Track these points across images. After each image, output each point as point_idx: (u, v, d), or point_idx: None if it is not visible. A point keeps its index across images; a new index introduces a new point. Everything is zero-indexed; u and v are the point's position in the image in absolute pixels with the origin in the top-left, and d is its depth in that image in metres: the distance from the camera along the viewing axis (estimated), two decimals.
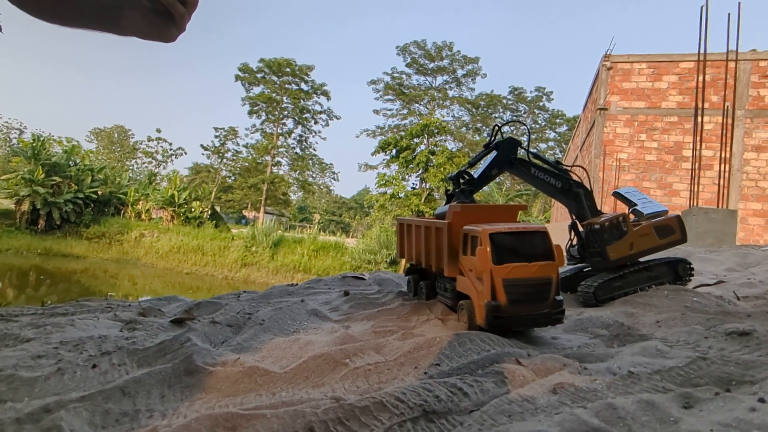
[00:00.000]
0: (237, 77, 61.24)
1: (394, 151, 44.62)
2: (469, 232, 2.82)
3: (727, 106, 13.87)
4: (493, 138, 4.05)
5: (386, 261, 30.74)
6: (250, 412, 1.89)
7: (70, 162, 37.15)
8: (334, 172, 76.97)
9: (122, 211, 39.82)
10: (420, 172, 43.26)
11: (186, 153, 75.61)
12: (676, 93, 17.00)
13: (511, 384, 1.95)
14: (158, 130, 73.28)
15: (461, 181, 3.88)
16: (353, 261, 31.64)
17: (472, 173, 3.92)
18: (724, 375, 2.02)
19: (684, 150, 16.55)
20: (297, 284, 4.84)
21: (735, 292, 3.99)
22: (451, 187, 3.94)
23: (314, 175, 73.48)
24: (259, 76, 61.28)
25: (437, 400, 1.84)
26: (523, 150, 4.05)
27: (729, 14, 11.98)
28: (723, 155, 12.97)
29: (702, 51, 12.47)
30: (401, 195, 42.73)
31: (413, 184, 45.39)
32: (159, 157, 73.41)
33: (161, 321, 3.33)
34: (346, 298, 3.80)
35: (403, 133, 48.18)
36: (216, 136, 66.47)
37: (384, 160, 49.17)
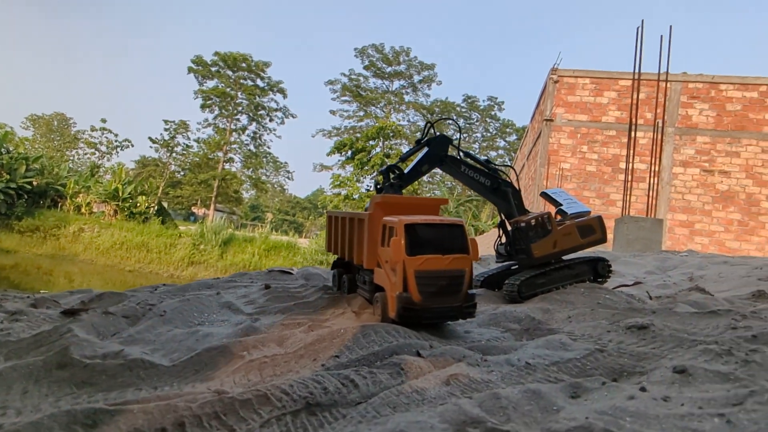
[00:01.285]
0: (190, 69, 58.79)
1: (349, 152, 44.48)
2: (388, 223, 2.75)
3: (659, 123, 14.84)
4: (425, 135, 4.03)
5: None
6: (116, 407, 1.69)
7: (2, 149, 34.13)
8: (288, 171, 75.64)
9: (60, 204, 37.01)
10: (375, 174, 43.36)
11: (133, 145, 71.19)
12: (615, 108, 18.00)
13: (406, 375, 1.87)
14: (103, 120, 68.64)
15: (391, 175, 3.83)
16: (306, 261, 31.14)
17: (402, 168, 3.88)
18: (617, 366, 2.04)
19: (621, 162, 17.52)
20: (220, 278, 4.59)
21: (648, 292, 4.17)
22: (381, 181, 3.88)
23: (268, 174, 71.82)
24: (213, 69, 59.17)
25: (324, 392, 1.73)
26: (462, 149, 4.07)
27: (661, 36, 12.82)
28: (654, 169, 13.83)
29: (637, 70, 13.26)
30: (356, 196, 42.59)
31: (368, 186, 45.40)
32: (103, 148, 69.00)
33: (51, 312, 3.01)
34: (265, 292, 3.62)
35: (359, 135, 48.16)
36: (165, 129, 63.40)
37: (339, 161, 48.96)
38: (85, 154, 70.40)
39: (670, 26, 12.74)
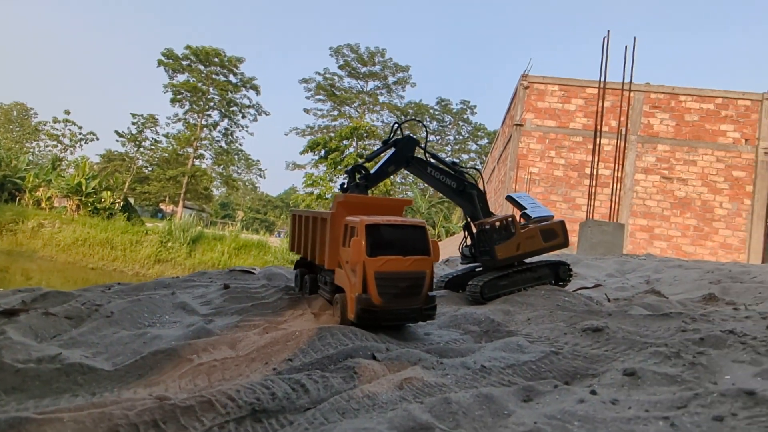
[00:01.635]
0: (160, 62, 56.85)
1: (323, 151, 44.14)
2: (349, 223, 2.70)
3: (623, 131, 15.35)
4: (392, 135, 4.01)
5: None
6: (45, 416, 1.57)
7: None
8: (260, 169, 74.28)
9: (18, 198, 35.13)
10: (344, 175, 43.06)
11: (98, 138, 68.03)
12: (582, 115, 18.51)
13: (359, 380, 1.82)
14: (66, 112, 65.21)
15: (357, 175, 3.80)
16: (276, 260, 30.66)
17: (369, 168, 3.85)
18: (571, 369, 2.05)
19: (587, 168, 18.02)
20: (179, 277, 4.43)
21: (607, 294, 4.27)
22: (347, 181, 3.85)
23: (239, 171, 70.32)
24: (184, 63, 57.43)
25: (272, 397, 1.65)
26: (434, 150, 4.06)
27: (626, 47, 13.27)
28: (617, 175, 14.29)
29: (603, 79, 13.68)
30: (328, 196, 42.29)
31: (340, 186, 45.07)
32: (66, 140, 65.74)
33: None
34: (223, 292, 3.50)
35: (332, 135, 47.86)
36: (133, 123, 61.06)
37: (312, 160, 48.50)
38: (47, 146, 67.12)
39: (634, 38, 13.22)
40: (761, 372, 1.75)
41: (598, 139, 14.01)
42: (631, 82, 13.69)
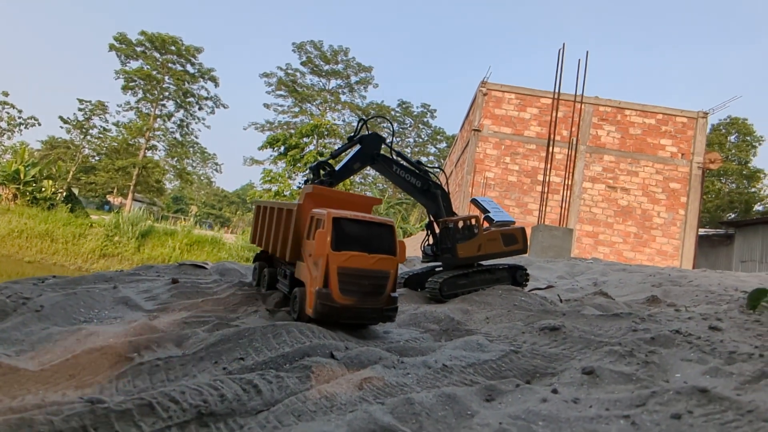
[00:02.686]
0: (111, 47, 53.51)
1: (282, 148, 43.20)
2: (316, 215, 2.60)
3: (573, 141, 16.04)
4: (358, 132, 3.95)
5: None
6: None
7: None
8: (216, 163, 71.79)
9: None
10: (307, 172, 42.48)
11: (39, 124, 62.89)
12: (536, 124, 19.21)
13: (316, 379, 1.72)
14: (5, 93, 59.83)
15: (322, 172, 3.71)
16: (231, 257, 29.66)
17: (333, 165, 3.77)
18: (531, 367, 2.05)
19: (539, 175, 18.72)
20: (123, 270, 4.12)
21: (559, 295, 4.38)
22: (311, 177, 3.75)
23: (194, 164, 67.51)
24: (138, 49, 54.40)
25: (221, 399, 1.53)
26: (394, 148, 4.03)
27: (579, 60, 13.86)
28: (567, 182, 14.92)
29: (558, 90, 14.23)
30: (287, 193, 41.45)
31: (300, 183, 44.37)
32: (3, 124, 60.50)
33: None
34: (171, 287, 3.28)
35: (293, 131, 47.00)
36: (80, 109, 57.02)
37: (271, 156, 47.34)
38: None
39: (587, 52, 13.83)
40: (709, 370, 1.81)
41: (550, 148, 14.55)
42: (582, 94, 14.33)
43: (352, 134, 3.95)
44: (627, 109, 19.03)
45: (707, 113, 18.83)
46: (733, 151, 47.17)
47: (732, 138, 47.98)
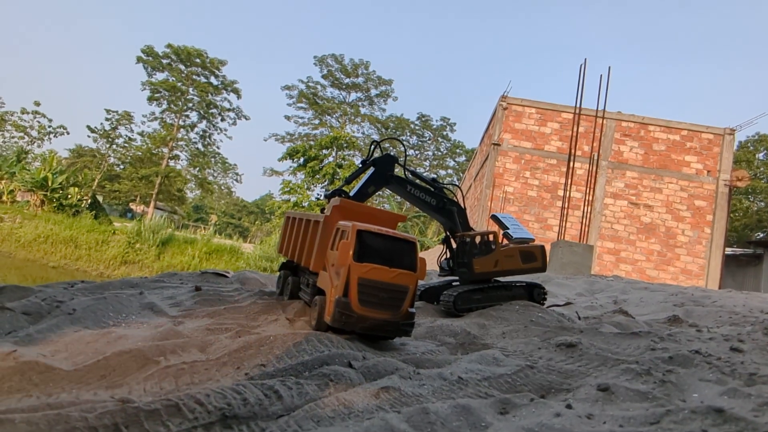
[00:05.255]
0: (139, 59, 55.69)
1: (302, 159, 43.80)
2: (341, 227, 2.69)
3: (595, 156, 15.88)
4: (371, 155, 4.01)
5: None
6: None
7: None
8: (237, 174, 73.04)
9: None
10: (326, 183, 42.87)
11: (68, 133, 65.56)
12: (557, 139, 19.07)
13: (334, 387, 1.78)
14: (36, 103, 62.67)
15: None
16: (249, 267, 30.01)
17: (347, 191, 3.81)
18: (546, 383, 2.06)
19: (559, 190, 18.53)
20: (147, 277, 4.27)
21: (577, 312, 4.34)
22: (326, 206, 3.80)
23: (215, 174, 68.99)
24: (164, 62, 56.40)
25: (244, 403, 1.59)
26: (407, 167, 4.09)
27: (601, 75, 13.79)
28: (588, 198, 14.73)
29: (578, 105, 14.16)
30: (305, 204, 41.91)
31: (318, 194, 44.83)
32: (34, 133, 63.10)
33: None
34: (194, 294, 3.39)
35: (312, 143, 47.63)
36: (107, 119, 59.19)
37: (291, 167, 47.98)
38: (13, 137, 64.22)
39: (609, 67, 13.76)
40: (727, 391, 1.80)
41: (571, 163, 14.43)
42: (604, 109, 14.22)
43: (365, 158, 4.01)
44: (651, 125, 18.75)
45: (734, 130, 18.42)
46: (762, 168, 45.84)
47: (760, 155, 46.65)
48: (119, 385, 1.89)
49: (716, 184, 18.30)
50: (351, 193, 3.77)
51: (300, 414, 1.52)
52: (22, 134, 63.20)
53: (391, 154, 4.04)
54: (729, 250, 24.02)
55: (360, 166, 3.98)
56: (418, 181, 4.18)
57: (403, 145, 4.74)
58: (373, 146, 4.04)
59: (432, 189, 4.18)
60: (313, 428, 1.45)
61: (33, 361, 1.89)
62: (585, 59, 13.31)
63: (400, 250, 2.59)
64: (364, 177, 3.92)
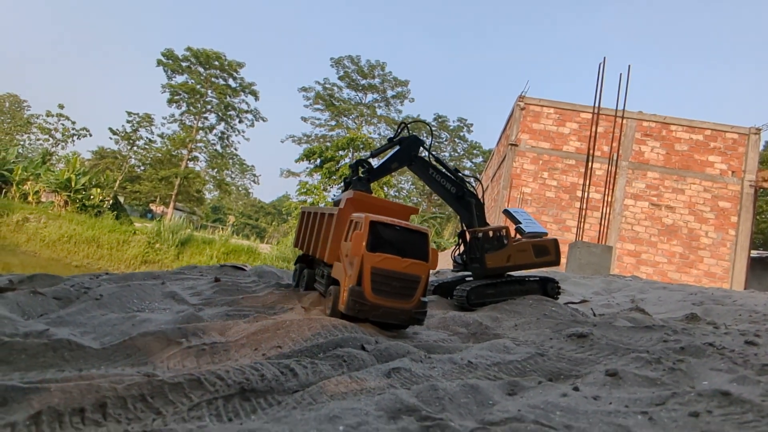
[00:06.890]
0: (159, 62, 57.07)
1: (318, 160, 44.18)
2: (354, 219, 2.76)
3: (614, 157, 15.65)
4: (398, 134, 4.10)
5: None
6: (30, 385, 1.57)
7: None
8: (254, 175, 74.22)
9: (4, 191, 34.56)
10: (342, 184, 43.19)
11: (91, 135, 67.65)
12: (576, 139, 18.83)
13: (347, 367, 1.84)
14: (61, 106, 64.82)
15: (360, 169, 3.87)
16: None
17: (372, 163, 3.94)
18: (555, 369, 2.09)
19: (578, 191, 18.30)
20: (168, 270, 4.41)
21: (593, 309, 4.32)
22: (349, 174, 3.92)
23: (233, 175, 70.21)
24: (183, 64, 57.69)
25: (261, 378, 1.67)
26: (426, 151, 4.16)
27: (621, 74, 13.59)
28: (607, 199, 14.52)
29: (597, 105, 13.98)
30: (321, 205, 42.28)
31: (334, 195, 45.12)
32: (58, 135, 65.21)
33: None
34: (214, 285, 3.50)
35: (329, 144, 48.01)
36: (128, 121, 60.87)
37: (307, 168, 48.43)
38: (38, 140, 66.46)
39: (629, 66, 13.56)
40: (737, 378, 1.80)
41: (590, 163, 14.26)
42: (624, 109, 14.01)
43: (394, 135, 4.10)
44: (672, 125, 18.37)
45: (760, 129, 17.91)
46: None
47: None
48: (144, 363, 1.99)
49: (741, 185, 17.82)
50: (375, 167, 3.86)
51: (314, 389, 1.59)
52: (46, 136, 65.33)
53: (419, 137, 4.11)
54: (755, 253, 23.32)
55: (388, 142, 4.07)
56: (440, 167, 4.24)
57: (431, 129, 4.80)
58: (401, 126, 4.12)
59: (453, 177, 4.23)
60: (327, 401, 1.51)
61: (65, 339, 2.01)
62: (604, 58, 13.16)
63: (412, 241, 2.65)
64: (389, 153, 4.02)
